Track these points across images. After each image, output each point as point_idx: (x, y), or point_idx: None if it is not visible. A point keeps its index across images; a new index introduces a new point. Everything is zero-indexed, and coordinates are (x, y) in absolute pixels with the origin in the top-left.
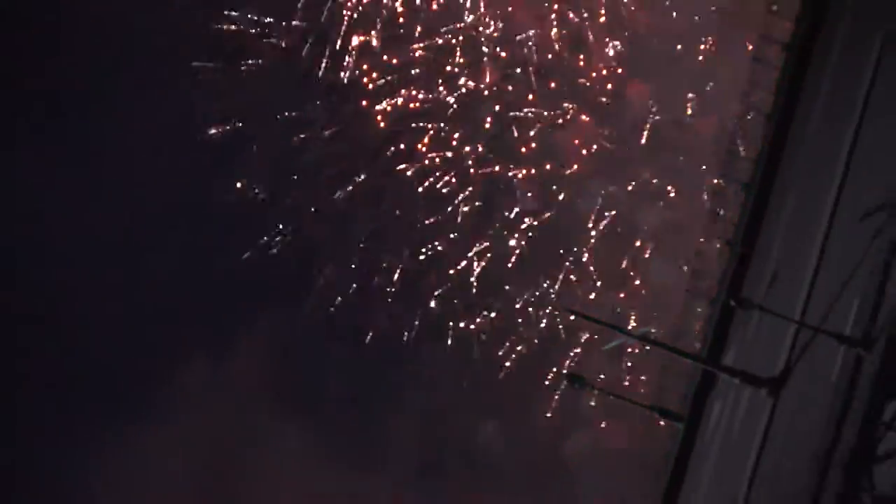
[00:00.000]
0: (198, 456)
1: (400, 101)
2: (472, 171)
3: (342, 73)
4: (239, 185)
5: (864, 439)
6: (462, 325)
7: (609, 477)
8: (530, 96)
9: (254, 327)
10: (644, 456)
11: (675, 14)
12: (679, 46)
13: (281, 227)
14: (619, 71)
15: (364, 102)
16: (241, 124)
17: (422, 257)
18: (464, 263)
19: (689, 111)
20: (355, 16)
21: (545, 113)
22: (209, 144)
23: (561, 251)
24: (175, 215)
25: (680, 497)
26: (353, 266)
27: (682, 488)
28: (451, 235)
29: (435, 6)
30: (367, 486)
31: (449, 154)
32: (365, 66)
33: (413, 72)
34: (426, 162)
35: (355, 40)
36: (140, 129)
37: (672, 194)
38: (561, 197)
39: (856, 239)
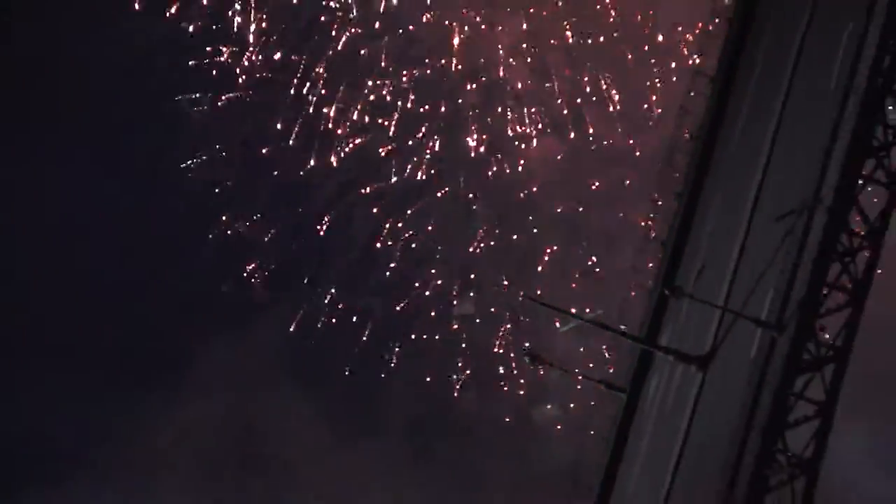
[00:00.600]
0: (217, 427)
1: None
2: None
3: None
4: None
5: (777, 408)
6: (443, 308)
7: (568, 441)
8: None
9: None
10: (598, 423)
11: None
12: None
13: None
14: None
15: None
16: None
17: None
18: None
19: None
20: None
21: (518, 129)
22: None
23: (526, 249)
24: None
25: (624, 456)
26: (351, 261)
27: (626, 449)
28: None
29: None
30: (366, 448)
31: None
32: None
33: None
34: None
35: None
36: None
37: (620, 200)
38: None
39: (770, 238)
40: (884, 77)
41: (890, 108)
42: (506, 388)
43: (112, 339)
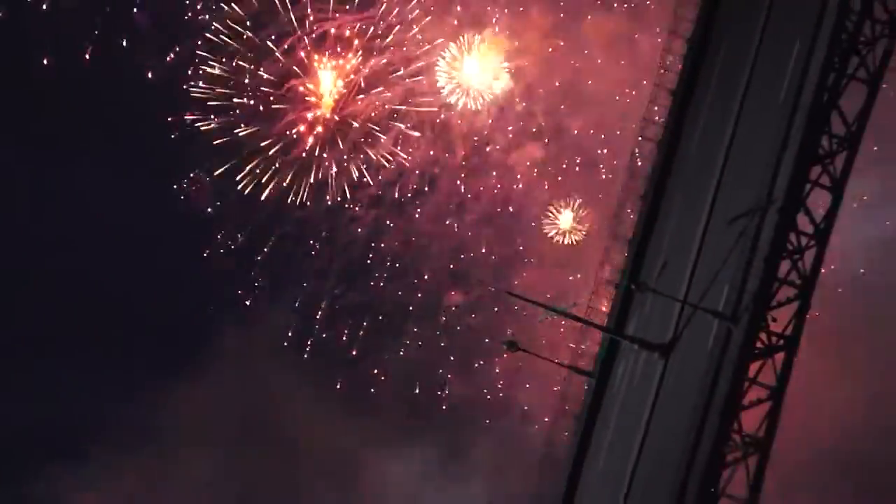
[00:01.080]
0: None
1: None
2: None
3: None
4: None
5: (733, 392)
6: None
7: (546, 419)
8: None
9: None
10: (570, 404)
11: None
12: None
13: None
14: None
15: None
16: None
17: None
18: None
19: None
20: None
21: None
22: None
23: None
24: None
25: (593, 435)
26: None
27: (595, 429)
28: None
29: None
30: (367, 423)
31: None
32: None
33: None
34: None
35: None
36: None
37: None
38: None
39: (726, 238)
40: (828, 92)
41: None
42: (494, 373)
43: (141, 328)
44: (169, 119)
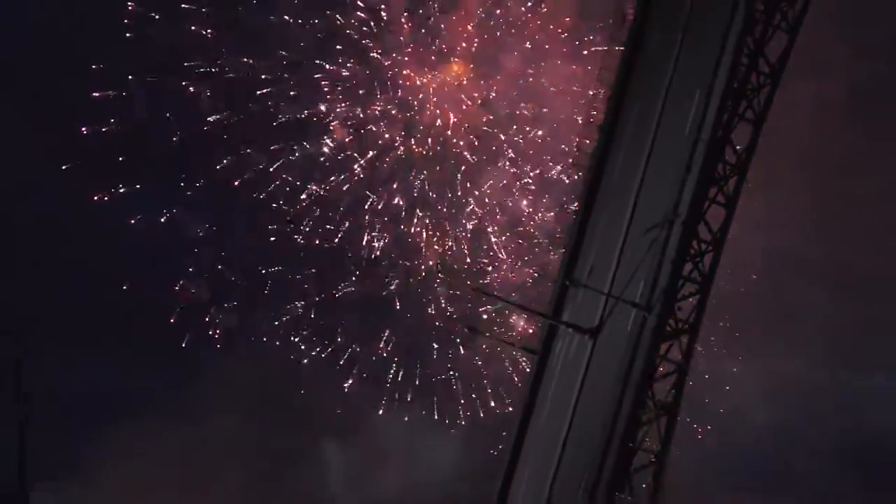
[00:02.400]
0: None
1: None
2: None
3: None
4: None
5: (648, 368)
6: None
7: (501, 387)
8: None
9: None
10: (519, 376)
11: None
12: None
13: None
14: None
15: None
16: None
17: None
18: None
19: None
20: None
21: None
22: None
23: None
24: None
25: (536, 401)
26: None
27: (537, 397)
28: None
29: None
30: (376, 394)
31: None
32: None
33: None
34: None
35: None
36: None
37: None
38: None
39: (642, 243)
40: (722, 129)
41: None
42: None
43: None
44: None
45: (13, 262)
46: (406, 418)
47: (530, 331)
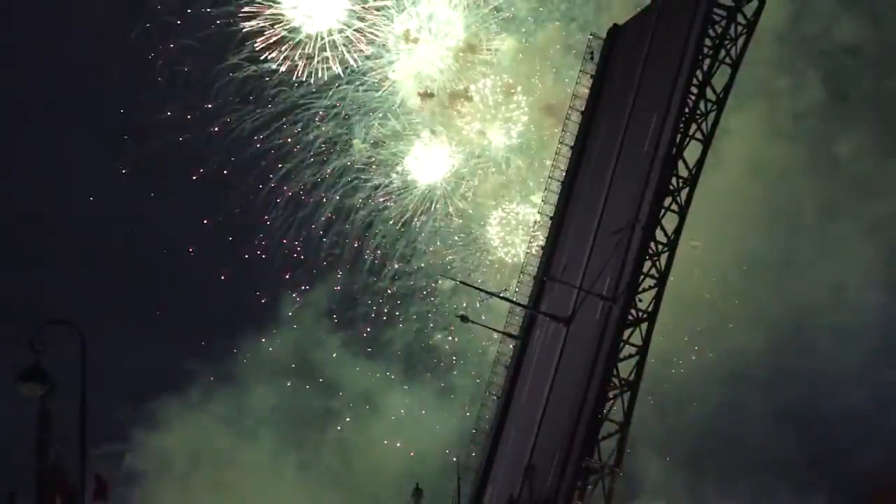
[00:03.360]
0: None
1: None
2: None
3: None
4: None
5: (612, 350)
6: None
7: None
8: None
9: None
10: (504, 358)
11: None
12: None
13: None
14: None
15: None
16: None
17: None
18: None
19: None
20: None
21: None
22: None
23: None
24: None
25: (519, 379)
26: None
27: (519, 377)
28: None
29: None
30: (382, 366)
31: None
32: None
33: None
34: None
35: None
36: None
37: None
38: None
39: (609, 244)
40: (676, 147)
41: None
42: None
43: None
44: None
45: (76, 256)
46: (418, 391)
47: (510, 321)
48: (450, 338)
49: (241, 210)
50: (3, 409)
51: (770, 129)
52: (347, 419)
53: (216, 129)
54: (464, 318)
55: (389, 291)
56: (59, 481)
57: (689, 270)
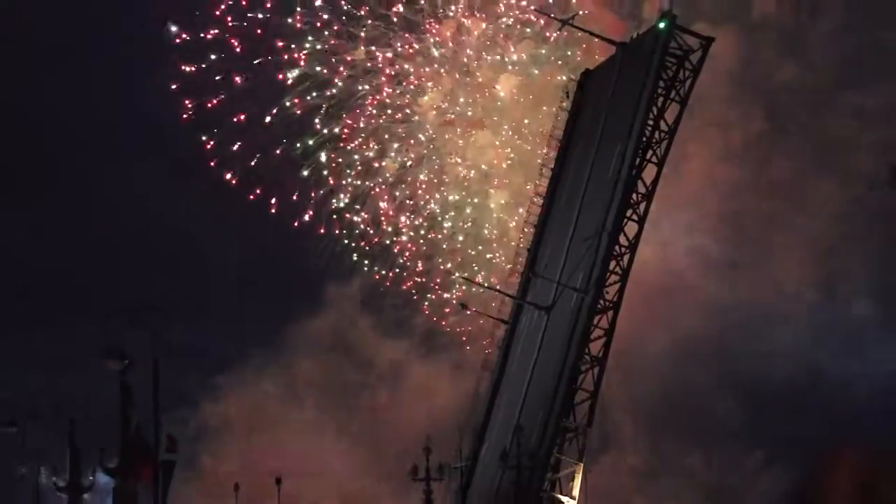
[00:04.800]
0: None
1: None
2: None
3: None
4: None
5: (585, 333)
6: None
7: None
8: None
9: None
10: (497, 339)
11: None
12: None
13: None
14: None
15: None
16: None
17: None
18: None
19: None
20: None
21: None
22: None
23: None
24: None
25: (509, 356)
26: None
27: (509, 353)
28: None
29: None
30: (405, 344)
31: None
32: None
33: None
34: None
35: None
36: None
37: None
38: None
39: (582, 248)
40: (636, 170)
41: None
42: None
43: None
44: None
45: (159, 259)
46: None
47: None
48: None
49: (289, 219)
50: (108, 382)
51: (722, 153)
52: (377, 389)
53: (278, 151)
54: (463, 306)
55: (412, 282)
56: (138, 439)
57: (650, 268)
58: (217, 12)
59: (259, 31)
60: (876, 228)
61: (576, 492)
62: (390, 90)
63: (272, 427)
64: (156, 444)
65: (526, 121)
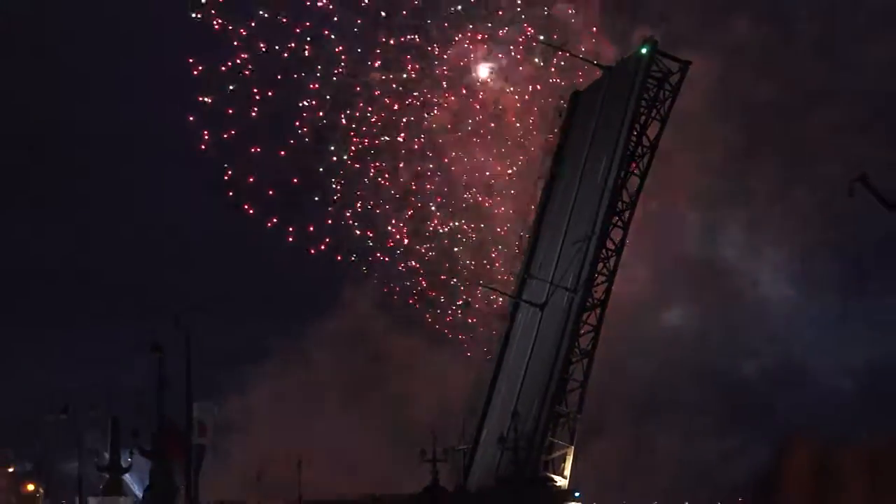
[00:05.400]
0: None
1: None
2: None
3: None
4: None
5: (575, 328)
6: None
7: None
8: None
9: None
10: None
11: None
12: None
13: None
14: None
15: None
16: None
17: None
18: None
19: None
20: None
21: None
22: None
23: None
24: None
25: (507, 349)
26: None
27: (507, 348)
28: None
29: None
30: (419, 339)
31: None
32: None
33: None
34: None
35: None
36: None
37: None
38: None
39: (573, 251)
40: (621, 180)
41: None
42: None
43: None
44: None
45: (191, 262)
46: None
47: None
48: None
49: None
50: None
51: (704, 163)
52: (390, 380)
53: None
54: (466, 303)
55: (424, 284)
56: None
57: (637, 267)
58: (235, 43)
59: (274, 63)
60: (842, 231)
61: (567, 471)
62: (398, 109)
63: (294, 414)
64: (188, 429)
65: (520, 134)
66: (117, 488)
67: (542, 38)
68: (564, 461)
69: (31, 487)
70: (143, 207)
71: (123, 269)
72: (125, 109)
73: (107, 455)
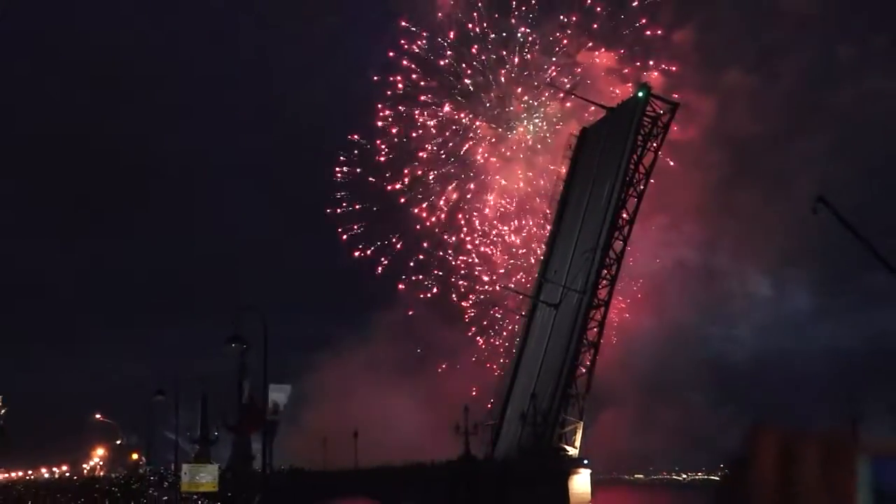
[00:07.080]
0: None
1: None
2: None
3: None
4: None
5: (583, 324)
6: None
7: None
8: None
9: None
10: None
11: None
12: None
13: None
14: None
15: None
16: None
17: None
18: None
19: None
20: None
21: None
22: None
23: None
24: None
25: (527, 343)
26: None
27: (527, 341)
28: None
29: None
30: (458, 332)
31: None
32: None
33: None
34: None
35: None
36: None
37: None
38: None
39: (582, 260)
40: (621, 203)
41: None
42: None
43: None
44: None
45: (266, 268)
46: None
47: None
48: (498, 316)
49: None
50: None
51: (701, 183)
52: (434, 364)
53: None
54: (491, 304)
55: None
56: (251, 406)
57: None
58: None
59: None
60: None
61: (577, 442)
62: (444, 140)
63: (353, 392)
64: (264, 408)
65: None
66: (206, 456)
67: (567, 85)
68: (575, 434)
69: (135, 456)
70: (226, 223)
71: (218, 278)
72: (208, 138)
73: (198, 430)
